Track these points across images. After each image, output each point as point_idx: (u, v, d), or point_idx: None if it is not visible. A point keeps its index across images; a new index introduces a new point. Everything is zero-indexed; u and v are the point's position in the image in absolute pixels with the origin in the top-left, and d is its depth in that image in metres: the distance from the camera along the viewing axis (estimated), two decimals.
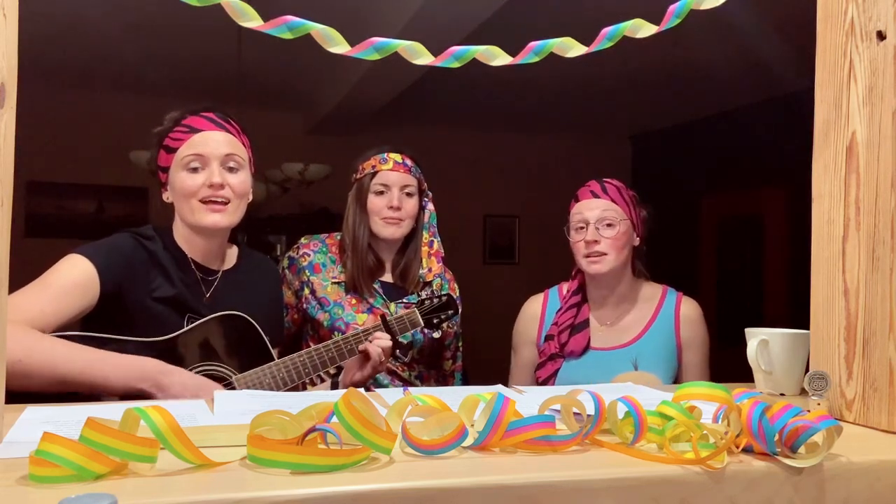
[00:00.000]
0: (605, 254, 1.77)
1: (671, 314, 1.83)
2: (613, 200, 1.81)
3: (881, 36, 1.00)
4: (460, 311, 1.86)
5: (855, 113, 1.03)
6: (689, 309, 1.85)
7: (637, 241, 1.86)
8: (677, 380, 1.81)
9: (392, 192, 1.85)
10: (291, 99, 5.37)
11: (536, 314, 1.91)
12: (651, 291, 1.88)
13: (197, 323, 1.46)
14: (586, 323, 1.83)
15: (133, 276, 1.44)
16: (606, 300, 1.86)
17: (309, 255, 1.90)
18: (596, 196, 1.81)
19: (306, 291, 1.87)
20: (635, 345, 1.80)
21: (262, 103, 4.91)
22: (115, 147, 4.52)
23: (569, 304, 1.86)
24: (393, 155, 1.88)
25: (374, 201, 1.86)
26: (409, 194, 1.87)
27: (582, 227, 1.80)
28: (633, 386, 1.43)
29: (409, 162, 1.89)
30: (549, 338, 1.84)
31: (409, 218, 1.87)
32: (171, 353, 1.41)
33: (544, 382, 1.80)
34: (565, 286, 1.93)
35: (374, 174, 1.86)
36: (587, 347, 1.80)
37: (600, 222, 1.78)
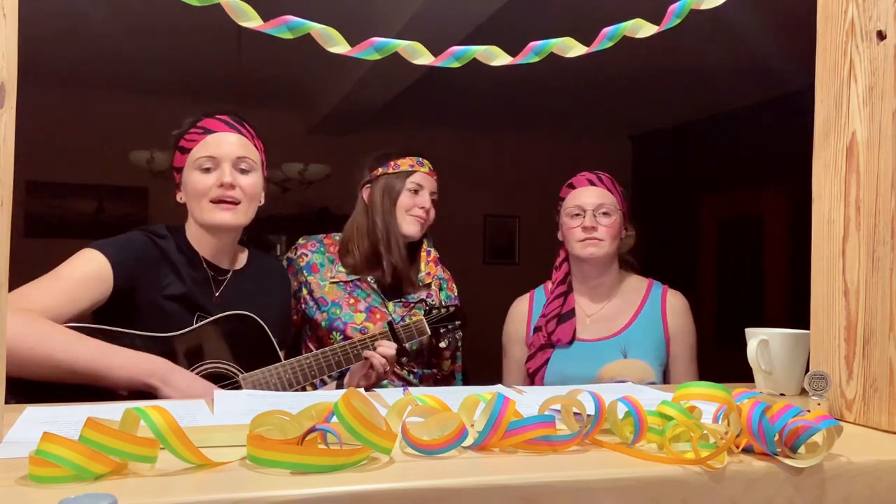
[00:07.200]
0: (602, 240, 1.82)
1: (658, 305, 1.88)
2: (609, 190, 1.86)
3: (881, 36, 1.00)
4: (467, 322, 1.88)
5: (855, 113, 1.03)
6: (676, 300, 1.89)
7: (624, 234, 1.91)
8: (666, 371, 1.85)
9: (424, 193, 1.91)
10: (291, 99, 5.37)
11: (524, 313, 1.94)
12: (637, 283, 1.93)
13: (206, 321, 1.47)
14: (573, 312, 1.86)
15: (145, 273, 1.46)
16: (594, 290, 1.89)
17: (307, 256, 1.91)
18: (593, 184, 1.86)
19: (304, 292, 1.87)
20: (624, 334, 1.84)
21: (262, 103, 4.90)
22: (115, 147, 4.53)
23: (555, 294, 1.89)
24: (427, 161, 1.96)
25: (408, 197, 1.90)
26: (434, 202, 1.94)
27: (578, 214, 1.84)
28: (633, 386, 1.43)
29: (435, 174, 1.97)
30: (537, 329, 1.86)
31: (428, 223, 1.93)
32: (179, 349, 1.42)
33: (535, 373, 1.82)
34: (549, 284, 1.96)
35: (410, 173, 1.91)
36: (574, 336, 1.83)
37: (598, 210, 1.83)
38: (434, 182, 1.94)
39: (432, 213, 1.93)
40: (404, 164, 1.93)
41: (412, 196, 1.89)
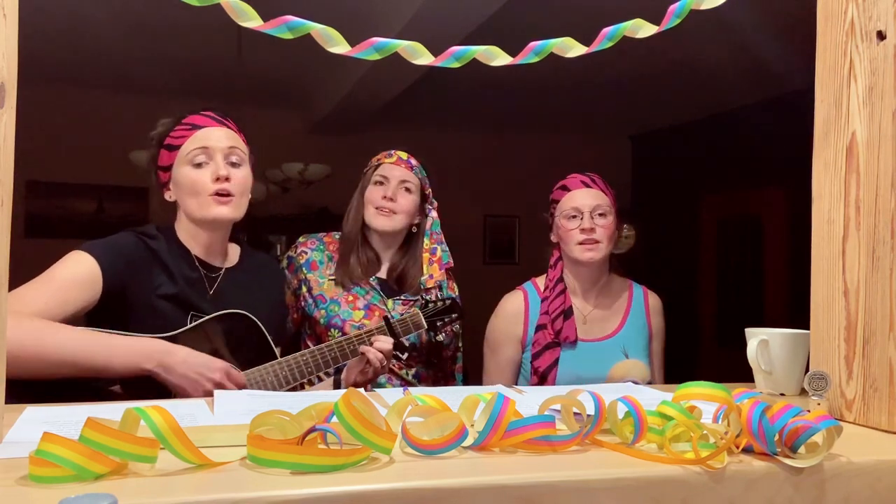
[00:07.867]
0: (600, 241, 1.83)
1: (642, 305, 1.93)
2: (603, 192, 1.88)
3: (881, 36, 1.00)
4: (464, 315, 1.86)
5: (855, 113, 1.03)
6: (655, 301, 1.96)
7: (621, 235, 1.96)
8: None
9: (390, 184, 1.88)
10: (291, 99, 5.37)
11: (519, 310, 1.89)
12: (620, 283, 1.96)
13: (201, 320, 1.47)
14: (572, 310, 1.86)
15: (136, 273, 1.46)
16: (587, 291, 1.91)
17: (306, 253, 1.91)
18: (587, 186, 1.87)
19: (304, 289, 1.88)
20: (620, 334, 1.87)
21: (262, 103, 4.91)
22: (115, 147, 4.52)
23: (556, 291, 1.88)
24: (399, 152, 1.93)
25: (371, 191, 1.89)
26: (407, 190, 1.88)
27: (575, 216, 1.84)
28: (633, 386, 1.43)
29: (413, 161, 1.92)
30: (541, 328, 1.84)
31: (402, 213, 1.87)
32: None
33: (546, 372, 1.80)
34: (539, 280, 1.94)
35: (377, 166, 1.90)
36: (577, 335, 1.83)
37: (594, 211, 1.84)
38: (406, 171, 1.89)
39: (404, 201, 1.87)
40: (375, 159, 1.94)
41: (376, 188, 1.88)
